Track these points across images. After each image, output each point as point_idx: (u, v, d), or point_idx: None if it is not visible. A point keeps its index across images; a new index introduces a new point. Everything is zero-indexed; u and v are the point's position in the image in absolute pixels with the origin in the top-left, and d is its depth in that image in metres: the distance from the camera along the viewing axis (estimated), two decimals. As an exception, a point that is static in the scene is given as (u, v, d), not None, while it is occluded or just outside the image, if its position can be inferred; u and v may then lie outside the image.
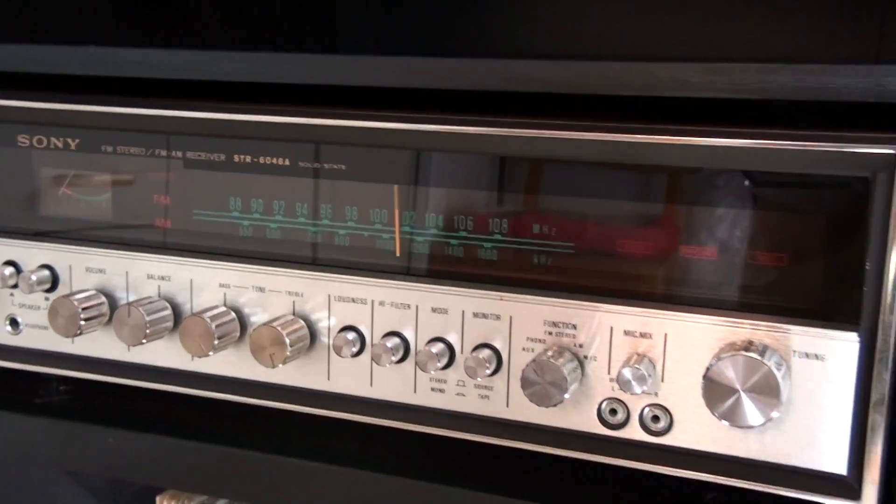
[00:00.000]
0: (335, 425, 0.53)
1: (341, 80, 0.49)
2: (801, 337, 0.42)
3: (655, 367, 0.45)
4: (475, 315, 0.48)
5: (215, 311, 0.52)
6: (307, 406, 0.53)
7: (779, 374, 0.41)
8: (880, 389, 0.41)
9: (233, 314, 0.53)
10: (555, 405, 0.45)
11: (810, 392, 0.42)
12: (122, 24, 0.72)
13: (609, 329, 0.46)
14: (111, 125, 0.55)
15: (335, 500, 0.51)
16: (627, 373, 0.44)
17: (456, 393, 0.49)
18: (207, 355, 0.52)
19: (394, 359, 0.49)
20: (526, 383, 0.45)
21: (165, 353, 0.55)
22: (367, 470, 0.51)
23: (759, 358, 0.41)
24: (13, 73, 0.58)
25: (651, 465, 0.46)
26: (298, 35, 0.93)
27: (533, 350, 0.47)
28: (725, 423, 0.42)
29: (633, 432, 0.46)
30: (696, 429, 0.45)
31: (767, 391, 0.41)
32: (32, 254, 0.57)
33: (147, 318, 0.52)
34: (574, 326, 0.46)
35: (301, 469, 0.52)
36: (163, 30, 0.78)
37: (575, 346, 0.46)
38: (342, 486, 0.51)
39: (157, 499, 0.74)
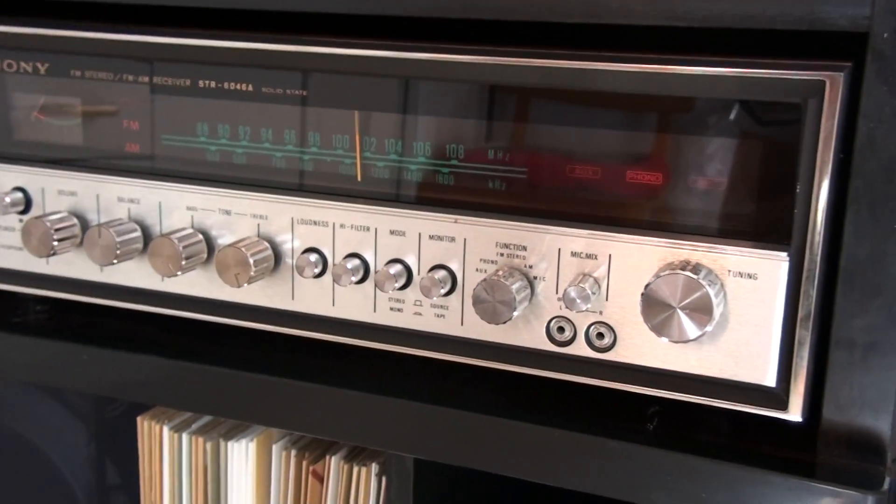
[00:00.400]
0: (300, 343, 0.55)
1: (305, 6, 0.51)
2: (736, 257, 0.44)
3: (600, 286, 0.47)
4: (431, 237, 0.50)
5: (183, 233, 0.54)
6: (272, 325, 0.55)
7: (712, 292, 0.43)
8: (807, 306, 0.43)
9: (200, 236, 0.54)
10: (504, 322, 0.48)
11: (743, 309, 0.45)
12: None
13: (557, 251, 0.48)
14: (79, 49, 0.56)
15: (303, 412, 0.54)
16: (573, 291, 0.46)
17: (413, 312, 0.52)
18: (175, 275, 0.54)
19: (354, 279, 0.51)
20: (477, 301, 0.48)
21: (136, 273, 0.57)
22: (329, 385, 0.53)
23: (693, 276, 0.43)
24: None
25: (596, 380, 0.48)
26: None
27: (486, 271, 0.49)
28: (663, 339, 0.44)
29: (580, 349, 0.48)
30: (638, 345, 0.47)
31: (701, 308, 0.43)
32: (6, 176, 0.59)
33: (117, 239, 0.54)
34: (524, 248, 0.48)
35: (270, 384, 0.54)
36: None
37: (525, 266, 0.48)
38: (309, 399, 0.54)
39: (139, 419, 0.77)
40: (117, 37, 0.54)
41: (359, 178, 0.52)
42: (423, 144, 0.51)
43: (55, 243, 0.56)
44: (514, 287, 0.47)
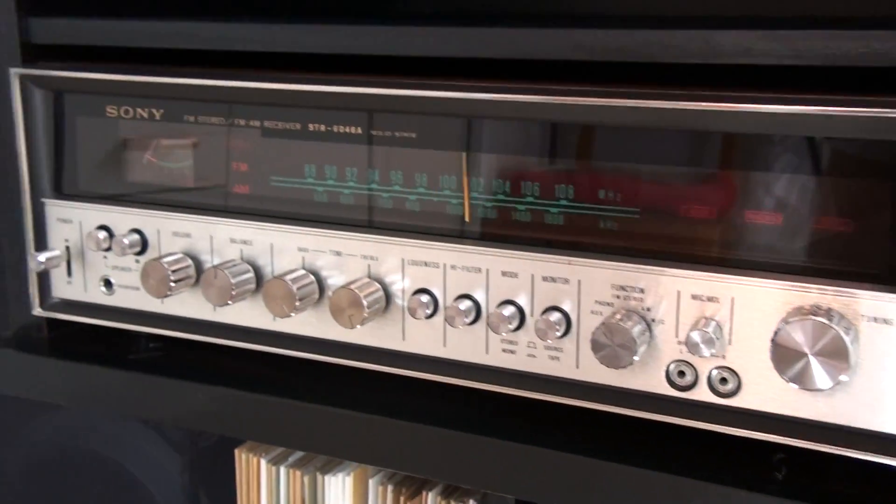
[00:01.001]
0: (408, 383, 0.55)
1: (405, 50, 0.51)
2: (869, 301, 0.42)
3: (723, 330, 0.46)
4: (544, 279, 0.50)
5: (296, 274, 0.54)
6: (382, 365, 0.55)
7: (847, 338, 0.41)
8: (950, 354, 0.41)
9: (312, 277, 0.55)
10: (624, 367, 0.47)
11: (878, 355, 0.43)
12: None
13: (676, 293, 0.47)
14: (193, 96, 0.57)
15: (407, 453, 0.54)
16: (696, 336, 0.45)
17: (527, 354, 0.51)
18: (289, 316, 0.54)
19: (466, 320, 0.51)
20: (596, 346, 0.47)
21: (249, 313, 0.58)
22: (439, 426, 0.53)
23: (827, 322, 0.41)
24: (102, 46, 0.61)
25: (719, 427, 0.47)
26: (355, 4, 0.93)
27: (601, 313, 0.48)
28: (794, 386, 0.42)
29: (702, 394, 0.47)
30: (764, 391, 0.46)
31: (836, 355, 0.41)
32: (123, 218, 0.60)
33: (232, 281, 0.55)
34: (641, 290, 0.47)
35: (374, 423, 0.54)
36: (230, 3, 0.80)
37: (643, 309, 0.47)
38: (414, 440, 0.53)
39: (236, 451, 0.78)
40: (230, 83, 0.55)
41: (467, 219, 0.52)
42: (532, 184, 0.50)
43: (172, 284, 0.57)
44: (635, 331, 0.46)
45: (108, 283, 0.62)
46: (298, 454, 0.75)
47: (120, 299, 0.62)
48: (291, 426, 0.58)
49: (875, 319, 0.42)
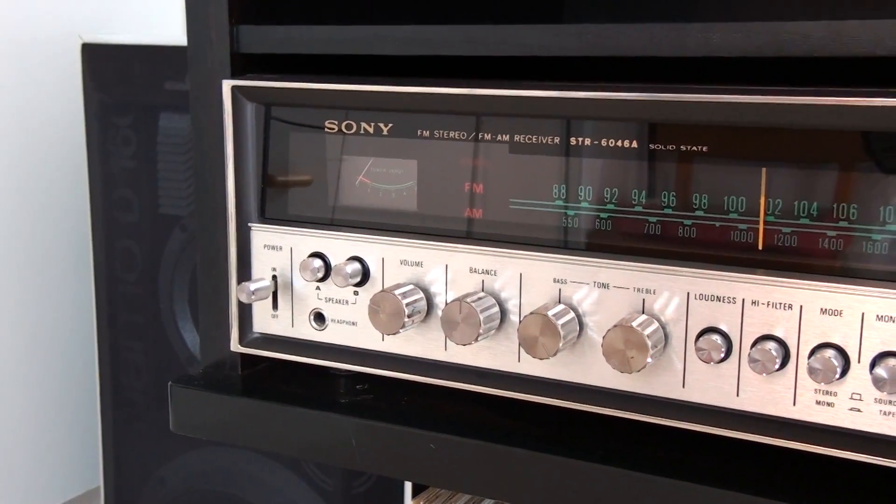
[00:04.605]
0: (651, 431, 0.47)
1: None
2: None
3: None
4: (879, 318, 0.42)
5: (556, 309, 0.47)
6: (655, 417, 0.47)
7: None
8: None
9: (572, 313, 0.48)
10: None
11: None
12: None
13: None
14: (430, 107, 0.51)
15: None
16: None
17: (849, 408, 0.43)
18: (548, 357, 0.47)
19: (775, 367, 0.43)
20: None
21: (487, 353, 0.51)
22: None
23: None
24: (318, 57, 0.55)
25: None
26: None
27: (958, 360, 0.40)
28: None
29: None
30: None
31: None
32: (341, 245, 0.54)
33: (481, 316, 0.48)
34: None
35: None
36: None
37: None
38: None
39: (412, 501, 0.71)
40: (474, 91, 0.49)
41: (760, 247, 0.45)
42: (848, 206, 0.42)
43: (406, 319, 0.50)
44: None
45: (319, 318, 0.56)
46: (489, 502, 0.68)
47: (333, 335, 0.55)
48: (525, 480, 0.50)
49: None
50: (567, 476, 0.48)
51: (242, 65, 0.57)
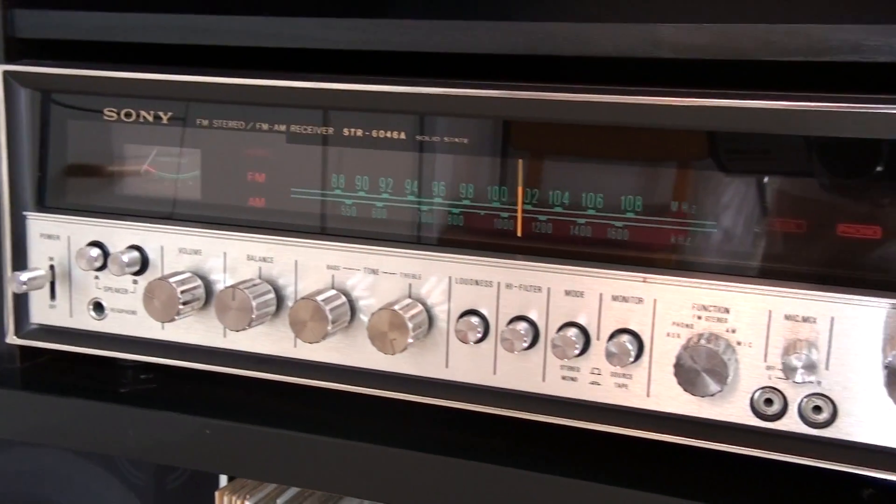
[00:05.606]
0: (445, 415, 0.50)
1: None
2: None
3: (819, 353, 0.42)
4: (615, 298, 0.45)
5: (327, 294, 0.49)
6: (422, 396, 0.49)
7: (974, 361, 0.38)
8: None
9: (343, 297, 0.49)
10: (711, 395, 0.42)
11: None
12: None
13: (767, 313, 0.43)
14: (209, 97, 0.51)
15: (431, 490, 0.48)
16: (796, 360, 0.41)
17: (590, 382, 0.46)
18: (319, 341, 0.48)
19: (524, 345, 0.46)
20: (681, 371, 0.42)
21: (264, 339, 0.52)
22: (477, 460, 0.47)
23: (951, 343, 0.38)
24: (96, 44, 0.55)
25: (811, 460, 0.43)
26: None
27: (679, 336, 0.44)
28: (911, 413, 0.39)
29: (791, 424, 0.43)
30: (863, 420, 0.42)
31: (962, 379, 0.38)
32: (120, 234, 0.54)
33: (254, 302, 0.49)
34: (726, 310, 0.43)
35: (392, 456, 0.49)
36: None
37: (727, 331, 0.43)
38: (443, 473, 0.48)
39: (217, 494, 0.71)
40: (257, 82, 0.50)
41: (519, 234, 0.48)
42: (595, 196, 0.46)
43: (181, 306, 0.50)
44: (726, 355, 0.42)
45: (98, 307, 0.55)
46: (287, 496, 0.69)
47: (112, 325, 0.55)
48: (304, 461, 0.51)
49: None
50: (341, 456, 0.50)
51: (20, 50, 0.56)
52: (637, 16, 0.70)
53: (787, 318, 0.42)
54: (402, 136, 0.49)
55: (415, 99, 0.47)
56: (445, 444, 0.49)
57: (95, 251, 0.54)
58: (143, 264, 0.54)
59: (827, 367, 0.42)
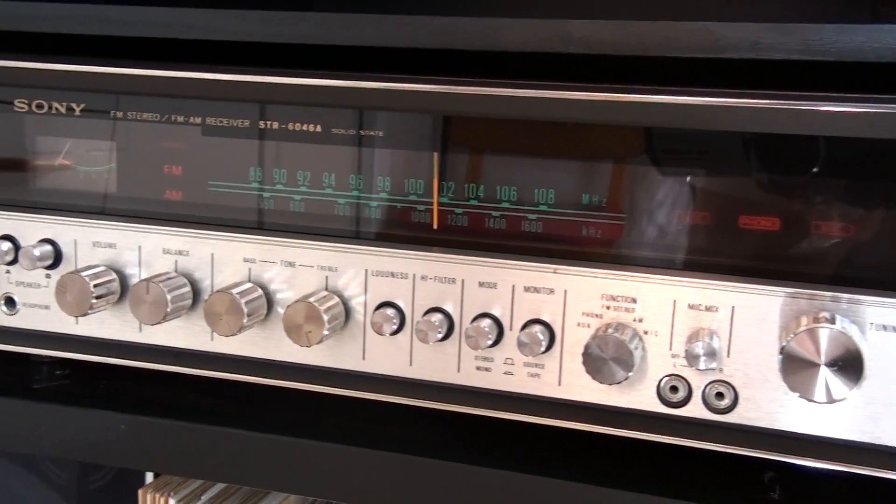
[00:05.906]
0: (356, 406, 0.50)
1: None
2: (876, 308, 0.41)
3: (721, 341, 0.43)
4: (526, 289, 0.46)
5: (243, 287, 0.49)
6: (339, 388, 0.50)
7: (862, 347, 0.39)
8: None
9: (260, 290, 0.49)
10: (618, 382, 0.43)
11: (886, 364, 0.41)
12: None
13: (672, 302, 0.44)
14: (123, 88, 0.51)
15: (328, 477, 0.49)
16: (698, 348, 0.42)
17: (503, 372, 0.47)
18: (235, 334, 0.48)
19: (438, 336, 0.47)
20: (589, 360, 0.43)
21: (181, 333, 0.52)
22: (399, 452, 0.48)
23: (841, 330, 0.39)
24: (11, 32, 0.53)
25: (714, 445, 0.44)
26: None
27: (589, 326, 0.45)
28: (806, 398, 0.40)
29: (695, 410, 0.44)
30: (763, 405, 0.43)
31: (851, 365, 0.39)
32: (32, 227, 0.53)
33: (168, 296, 0.49)
34: (633, 300, 0.44)
35: (294, 447, 0.49)
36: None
37: (635, 321, 0.44)
38: (333, 462, 0.48)
39: (140, 492, 0.70)
40: (173, 74, 0.50)
41: (435, 226, 0.48)
42: (509, 189, 0.47)
43: (94, 300, 0.50)
44: (633, 344, 0.43)
45: (10, 302, 0.54)
46: (212, 493, 0.68)
47: (25, 320, 0.54)
48: (224, 456, 0.51)
49: (884, 327, 0.41)
50: (262, 451, 0.50)
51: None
52: (553, 13, 0.71)
53: (691, 307, 0.44)
54: (319, 128, 0.49)
55: (325, 92, 0.47)
56: (365, 435, 0.49)
57: (6, 245, 0.53)
58: (57, 258, 0.53)
59: (728, 355, 0.43)
